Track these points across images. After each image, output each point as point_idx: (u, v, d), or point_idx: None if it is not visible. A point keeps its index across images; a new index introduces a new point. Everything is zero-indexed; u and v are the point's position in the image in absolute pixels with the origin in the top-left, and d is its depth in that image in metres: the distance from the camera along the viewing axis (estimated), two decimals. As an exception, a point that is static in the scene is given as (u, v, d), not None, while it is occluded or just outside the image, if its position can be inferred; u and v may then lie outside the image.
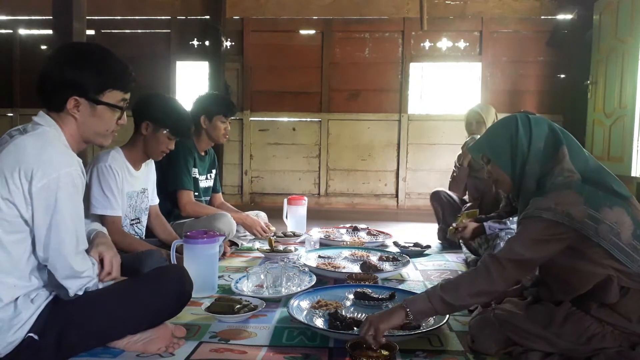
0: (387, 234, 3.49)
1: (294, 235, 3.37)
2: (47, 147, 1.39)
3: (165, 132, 2.34)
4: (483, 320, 1.66)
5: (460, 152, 3.43)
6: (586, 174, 1.51)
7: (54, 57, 1.50)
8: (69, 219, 1.38)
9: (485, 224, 2.59)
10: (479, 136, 3.21)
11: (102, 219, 2.24)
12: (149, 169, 2.54)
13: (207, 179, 3.23)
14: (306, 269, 2.43)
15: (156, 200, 2.64)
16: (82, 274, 1.43)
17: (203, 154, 3.17)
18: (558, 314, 1.53)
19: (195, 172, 3.07)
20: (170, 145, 2.42)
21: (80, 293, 1.45)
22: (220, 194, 3.41)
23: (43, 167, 1.35)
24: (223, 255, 2.81)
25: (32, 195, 1.34)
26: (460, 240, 2.93)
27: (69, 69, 1.45)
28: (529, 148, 1.59)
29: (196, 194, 3.06)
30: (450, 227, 2.68)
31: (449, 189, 3.51)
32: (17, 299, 1.38)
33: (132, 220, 2.42)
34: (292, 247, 2.95)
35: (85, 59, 1.50)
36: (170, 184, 2.90)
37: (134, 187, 2.40)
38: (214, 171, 3.30)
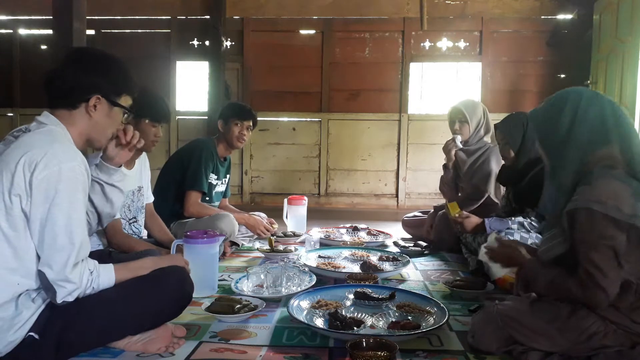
0: (387, 234, 3.49)
1: (294, 235, 3.37)
2: (53, 142, 1.41)
3: (146, 121, 2.28)
4: (486, 316, 1.66)
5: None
6: (633, 164, 1.47)
7: (75, 59, 1.54)
8: (66, 215, 1.36)
9: (486, 221, 2.58)
10: (459, 137, 3.20)
11: None
12: (142, 166, 2.53)
13: (222, 183, 3.26)
14: (306, 269, 2.43)
15: (151, 198, 2.64)
16: (71, 280, 1.37)
17: (223, 159, 3.20)
18: (563, 310, 1.53)
19: (213, 177, 3.11)
20: (158, 133, 2.35)
21: (70, 299, 1.39)
22: (227, 198, 3.44)
23: (46, 159, 1.35)
24: (223, 256, 2.82)
25: (32, 186, 1.34)
26: (460, 237, 2.93)
27: (98, 74, 1.53)
28: (569, 134, 1.52)
29: (207, 198, 3.09)
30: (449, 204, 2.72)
31: (440, 191, 3.52)
32: (18, 297, 1.38)
33: (130, 219, 2.42)
34: (292, 247, 2.96)
35: (111, 65, 1.58)
36: (185, 183, 2.94)
37: (128, 187, 2.38)
38: (228, 176, 3.34)
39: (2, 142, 1.48)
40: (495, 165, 3.09)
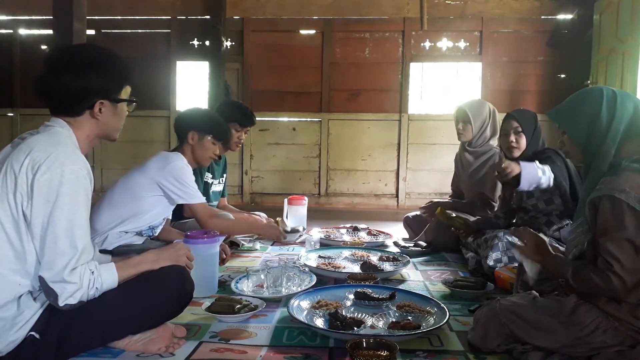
0: (387, 234, 3.49)
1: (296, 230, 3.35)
2: (56, 145, 1.40)
3: (209, 137, 2.59)
4: (488, 311, 1.65)
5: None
6: None
7: (70, 66, 1.48)
8: (68, 218, 1.35)
9: (521, 164, 2.33)
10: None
11: (192, 209, 2.49)
12: None
13: (219, 183, 3.26)
14: (306, 269, 2.43)
15: None
16: (70, 281, 1.34)
17: (217, 158, 3.19)
18: (565, 305, 1.54)
19: (208, 176, 3.10)
20: (216, 150, 2.65)
21: (73, 302, 1.36)
22: (225, 197, 3.43)
23: (48, 162, 1.35)
24: (222, 262, 2.75)
25: (33, 189, 1.33)
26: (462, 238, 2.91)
27: (94, 76, 1.49)
28: (608, 130, 1.54)
29: (205, 197, 3.08)
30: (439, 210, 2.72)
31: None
32: (20, 297, 1.37)
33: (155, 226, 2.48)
34: (300, 227, 2.93)
35: (105, 63, 1.53)
36: None
37: None
38: (225, 175, 3.34)
39: (10, 144, 1.47)
40: None
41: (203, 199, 2.49)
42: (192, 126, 2.58)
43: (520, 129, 2.57)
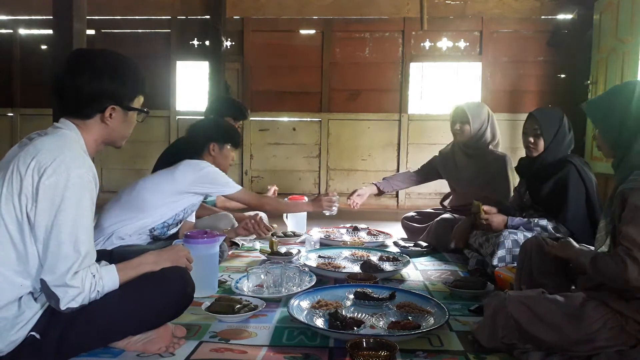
0: (387, 233, 3.49)
1: (294, 235, 3.37)
2: (63, 148, 1.40)
3: (228, 146, 2.74)
4: (498, 302, 1.64)
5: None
6: None
7: (87, 68, 1.49)
8: (72, 222, 1.35)
9: (508, 220, 2.54)
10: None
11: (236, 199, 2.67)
12: None
13: None
14: (306, 269, 2.43)
15: None
16: (72, 285, 1.34)
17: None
18: (575, 300, 1.54)
19: None
20: (234, 157, 2.83)
21: (75, 306, 1.36)
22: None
23: (54, 165, 1.35)
24: (221, 256, 2.75)
25: (38, 192, 1.33)
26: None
27: (110, 81, 1.49)
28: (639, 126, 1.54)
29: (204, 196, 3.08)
30: (475, 203, 2.65)
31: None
32: (21, 298, 1.37)
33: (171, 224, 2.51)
34: (294, 249, 2.91)
35: (121, 69, 1.54)
36: None
37: None
38: None
39: (18, 144, 1.47)
40: (512, 176, 3.08)
41: (240, 187, 2.64)
42: (211, 138, 2.67)
43: (539, 131, 2.54)
